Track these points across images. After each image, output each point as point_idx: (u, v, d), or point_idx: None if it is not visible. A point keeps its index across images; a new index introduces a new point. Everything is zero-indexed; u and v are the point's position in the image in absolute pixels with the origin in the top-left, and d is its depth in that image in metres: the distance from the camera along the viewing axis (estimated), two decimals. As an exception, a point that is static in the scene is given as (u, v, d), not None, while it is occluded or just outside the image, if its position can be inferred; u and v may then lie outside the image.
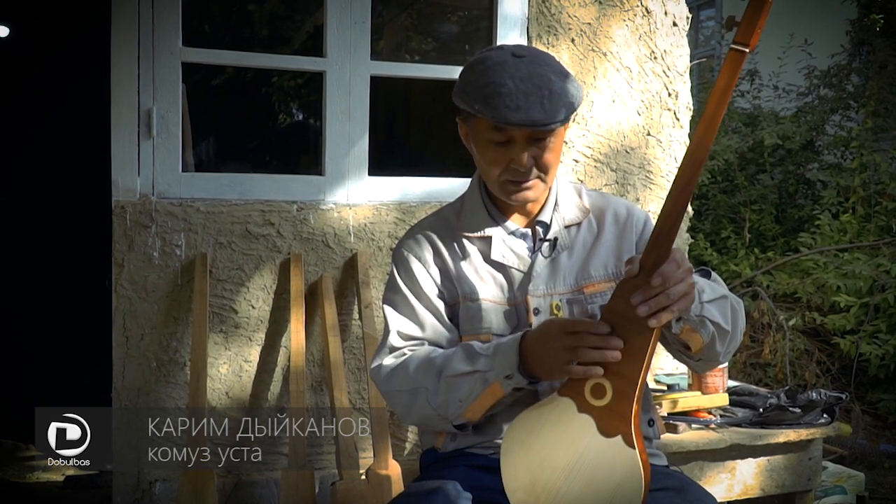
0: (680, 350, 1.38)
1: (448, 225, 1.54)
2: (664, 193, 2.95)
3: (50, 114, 5.01)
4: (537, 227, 1.50)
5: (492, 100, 1.34)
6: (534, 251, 1.49)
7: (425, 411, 1.41)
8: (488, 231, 1.49)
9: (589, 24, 2.82)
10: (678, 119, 2.96)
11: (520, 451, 1.25)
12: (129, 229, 2.42)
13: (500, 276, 1.48)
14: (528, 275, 1.47)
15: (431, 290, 1.49)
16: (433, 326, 1.47)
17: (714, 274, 1.43)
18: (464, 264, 1.50)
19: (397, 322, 1.48)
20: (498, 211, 1.51)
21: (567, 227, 1.50)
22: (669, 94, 2.94)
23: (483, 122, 1.40)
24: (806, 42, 5.73)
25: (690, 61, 3.01)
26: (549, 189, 1.51)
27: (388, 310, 1.51)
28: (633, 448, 1.19)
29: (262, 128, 5.73)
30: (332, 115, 2.61)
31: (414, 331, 1.48)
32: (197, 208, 2.47)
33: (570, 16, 2.80)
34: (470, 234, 1.50)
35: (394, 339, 1.48)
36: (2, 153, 5.02)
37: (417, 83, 4.38)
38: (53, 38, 4.91)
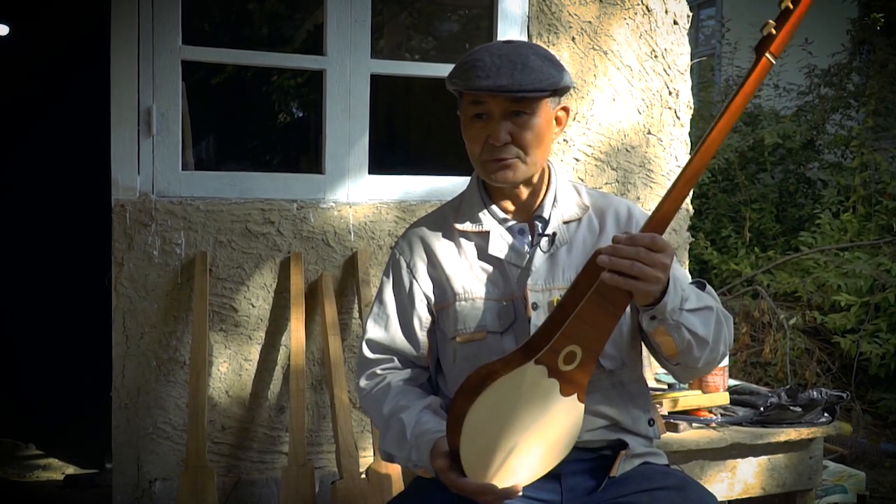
0: (659, 352, 1.39)
1: (445, 222, 1.54)
2: (665, 192, 2.95)
3: (50, 114, 5.01)
4: (536, 223, 1.50)
5: (467, 72, 1.39)
6: (532, 246, 1.49)
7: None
8: (486, 226, 1.49)
9: (589, 22, 2.82)
10: (679, 118, 2.96)
11: (486, 416, 1.28)
12: (129, 228, 2.42)
13: (496, 272, 1.48)
14: (526, 269, 1.46)
15: (415, 300, 1.51)
16: (402, 342, 1.52)
17: (709, 287, 1.44)
18: (458, 262, 1.50)
19: (371, 329, 1.54)
20: (496, 206, 1.51)
21: (566, 222, 1.49)
22: (670, 93, 2.94)
23: (466, 101, 1.44)
24: (806, 41, 5.72)
25: (691, 60, 3.01)
26: (548, 184, 1.51)
27: (369, 312, 1.57)
28: (582, 403, 1.33)
29: (262, 126, 5.74)
30: (332, 113, 2.61)
31: (385, 341, 1.52)
32: (197, 207, 2.47)
33: (570, 14, 2.80)
34: (467, 230, 1.50)
35: (366, 350, 1.54)
36: (2, 153, 5.03)
37: (418, 82, 4.38)
38: (53, 38, 4.91)
